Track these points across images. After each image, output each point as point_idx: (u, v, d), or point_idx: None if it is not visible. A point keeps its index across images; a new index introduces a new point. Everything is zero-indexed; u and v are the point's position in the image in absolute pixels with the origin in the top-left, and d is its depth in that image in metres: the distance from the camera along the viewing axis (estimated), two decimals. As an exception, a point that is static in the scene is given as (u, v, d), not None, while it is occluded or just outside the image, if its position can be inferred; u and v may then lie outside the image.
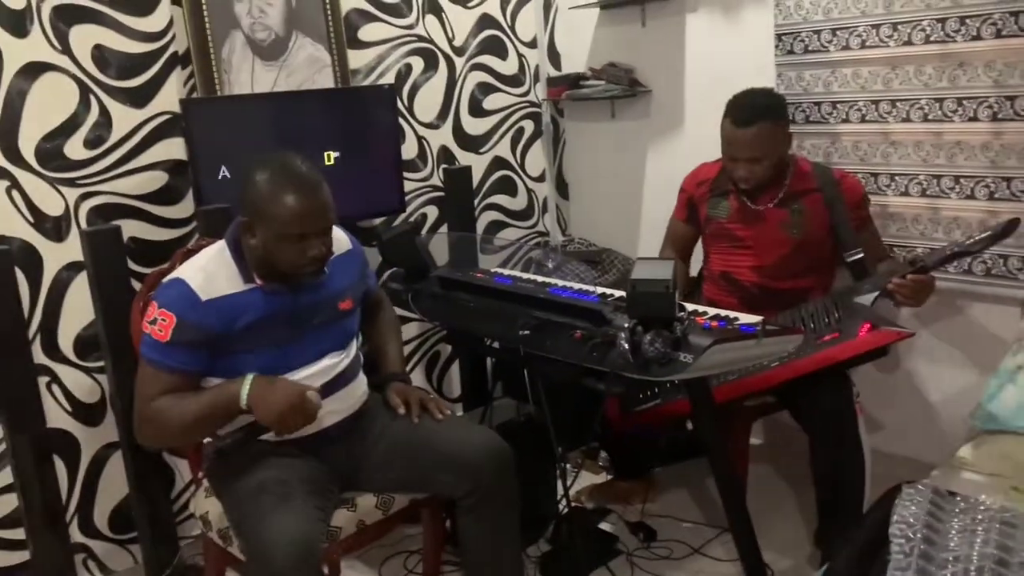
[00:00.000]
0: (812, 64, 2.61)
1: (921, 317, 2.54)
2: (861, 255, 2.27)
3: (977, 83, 2.30)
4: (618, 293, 2.03)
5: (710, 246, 2.49)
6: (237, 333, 1.75)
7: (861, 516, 1.91)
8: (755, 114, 2.23)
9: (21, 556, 2.22)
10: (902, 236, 2.52)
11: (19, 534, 2.18)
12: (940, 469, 1.95)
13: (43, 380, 2.22)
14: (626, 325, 1.75)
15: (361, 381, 1.99)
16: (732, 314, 1.92)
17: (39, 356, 2.22)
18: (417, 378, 3.11)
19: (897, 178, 2.52)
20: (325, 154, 2.56)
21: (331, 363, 1.87)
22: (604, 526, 2.55)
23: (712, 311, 1.94)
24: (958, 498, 1.63)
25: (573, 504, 2.51)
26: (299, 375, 1.82)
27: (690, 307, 1.92)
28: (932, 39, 2.36)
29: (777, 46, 2.69)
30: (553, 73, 3.36)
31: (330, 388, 1.86)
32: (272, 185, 1.70)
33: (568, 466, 2.41)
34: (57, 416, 2.27)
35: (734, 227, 2.40)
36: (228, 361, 1.77)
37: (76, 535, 2.32)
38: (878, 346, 2.08)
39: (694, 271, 2.64)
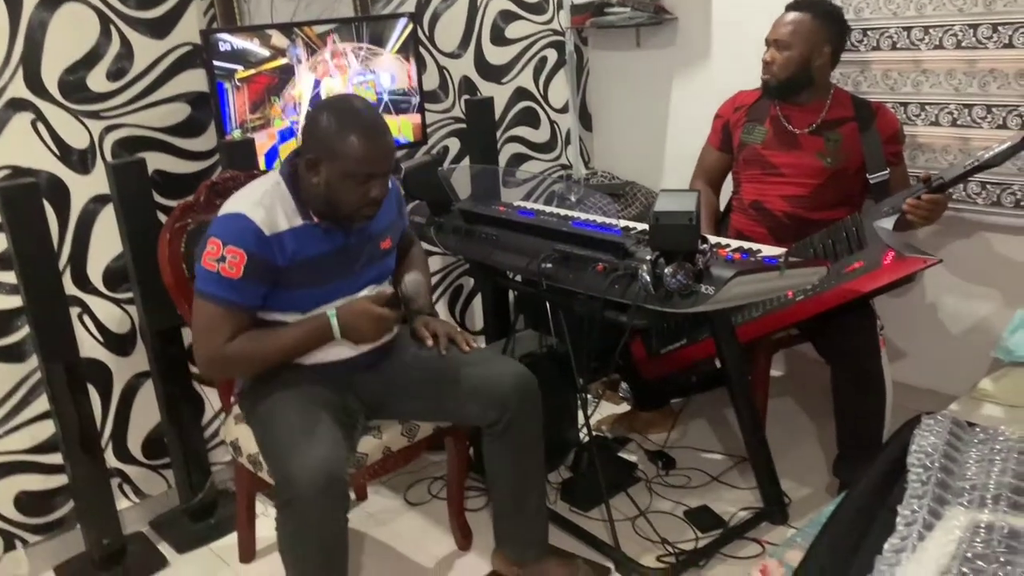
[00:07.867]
0: (843, -11, 2.53)
1: (947, 248, 2.52)
2: (886, 177, 2.25)
3: (1014, 8, 2.23)
4: (641, 226, 2.02)
5: (742, 173, 2.46)
6: (294, 268, 1.78)
7: (880, 446, 1.93)
8: (807, 4, 2.29)
9: (60, 480, 2.30)
10: (931, 167, 2.47)
11: (57, 458, 2.26)
12: (960, 401, 1.96)
13: (74, 311, 2.26)
14: (648, 258, 1.76)
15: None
16: (755, 246, 1.91)
17: (70, 287, 2.25)
18: (440, 311, 3.14)
19: (927, 108, 2.46)
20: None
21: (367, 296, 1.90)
22: (624, 455, 2.60)
23: (735, 243, 1.94)
24: (977, 428, 1.65)
25: (594, 433, 2.55)
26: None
27: (713, 239, 1.91)
28: (969, -38, 2.28)
29: (808, -30, 2.60)
30: (577, 0, 3.29)
31: None
32: (343, 126, 1.72)
33: (589, 396, 2.45)
34: (89, 346, 2.32)
35: (769, 153, 2.37)
36: (278, 295, 1.80)
37: (112, 460, 2.39)
38: (904, 275, 2.06)
39: (723, 203, 2.61)
